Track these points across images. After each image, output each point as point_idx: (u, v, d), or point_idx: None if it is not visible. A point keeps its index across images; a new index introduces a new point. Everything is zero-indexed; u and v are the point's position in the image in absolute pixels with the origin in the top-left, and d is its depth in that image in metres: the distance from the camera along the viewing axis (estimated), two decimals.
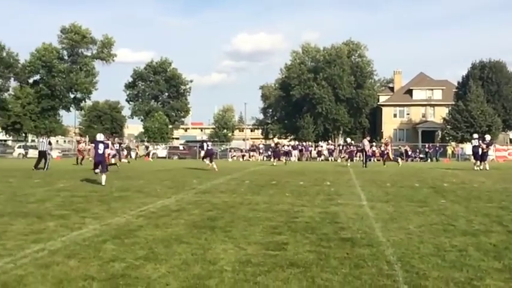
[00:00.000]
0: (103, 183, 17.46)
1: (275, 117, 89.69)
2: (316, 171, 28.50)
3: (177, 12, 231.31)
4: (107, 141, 23.46)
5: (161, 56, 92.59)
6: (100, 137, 19.13)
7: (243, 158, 53.24)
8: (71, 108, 75.72)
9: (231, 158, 54.45)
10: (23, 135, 76.02)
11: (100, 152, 18.38)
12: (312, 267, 6.29)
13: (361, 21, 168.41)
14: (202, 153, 30.09)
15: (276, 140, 46.02)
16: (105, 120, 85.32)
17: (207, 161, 28.29)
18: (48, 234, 8.38)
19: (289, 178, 21.76)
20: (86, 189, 16.20)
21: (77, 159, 36.52)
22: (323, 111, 74.64)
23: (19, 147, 57.90)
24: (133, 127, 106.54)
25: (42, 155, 28.28)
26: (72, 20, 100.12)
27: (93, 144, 23.40)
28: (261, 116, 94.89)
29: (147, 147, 59.05)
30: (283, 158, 40.55)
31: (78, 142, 42.48)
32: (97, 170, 18.39)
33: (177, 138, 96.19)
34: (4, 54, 68.28)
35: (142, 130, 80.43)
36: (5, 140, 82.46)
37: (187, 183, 18.61)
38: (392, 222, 9.65)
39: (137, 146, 64.11)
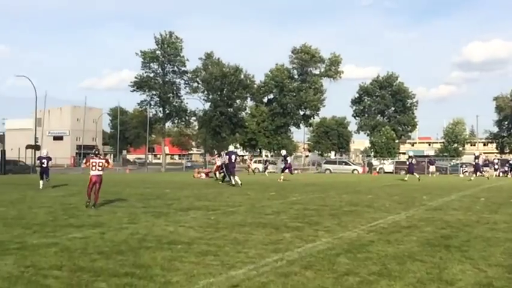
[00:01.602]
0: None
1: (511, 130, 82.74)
2: None
3: (402, 25, 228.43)
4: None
5: (387, 71, 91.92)
6: (231, 148, 29.19)
7: (475, 173, 49.86)
8: (300, 125, 79.36)
9: (463, 173, 51.49)
10: (258, 150, 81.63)
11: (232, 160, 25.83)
12: None
13: None
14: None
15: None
16: (332, 135, 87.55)
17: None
18: (285, 244, 8.86)
19: None
20: (316, 203, 16.78)
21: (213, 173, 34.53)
22: None
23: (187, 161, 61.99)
24: (359, 142, 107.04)
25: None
26: (301, 41, 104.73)
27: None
28: (495, 129, 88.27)
29: (370, 164, 58.88)
30: None
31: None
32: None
33: (404, 153, 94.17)
34: (242, 76, 74.39)
35: (369, 145, 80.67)
36: (172, 155, 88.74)
37: (417, 199, 18.18)
38: None
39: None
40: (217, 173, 32.33)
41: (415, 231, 10.34)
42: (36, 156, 30.72)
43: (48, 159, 25.96)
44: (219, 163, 31.92)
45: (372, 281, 6.37)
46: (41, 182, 24.30)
